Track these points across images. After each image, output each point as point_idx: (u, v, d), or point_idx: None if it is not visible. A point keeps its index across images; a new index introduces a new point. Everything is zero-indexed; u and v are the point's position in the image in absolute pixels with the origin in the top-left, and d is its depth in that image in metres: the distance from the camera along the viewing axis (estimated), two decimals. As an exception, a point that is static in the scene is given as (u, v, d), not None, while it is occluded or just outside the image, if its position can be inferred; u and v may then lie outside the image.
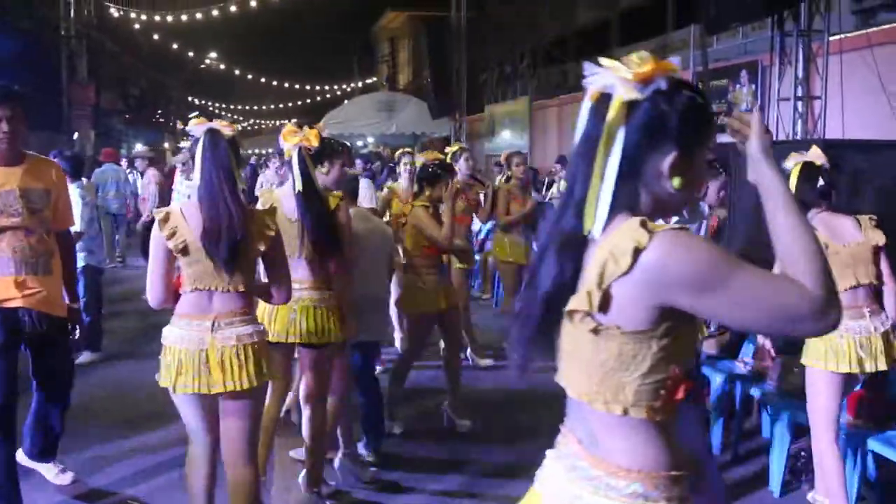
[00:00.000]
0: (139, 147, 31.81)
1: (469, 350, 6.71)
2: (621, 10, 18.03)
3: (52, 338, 3.87)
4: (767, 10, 9.46)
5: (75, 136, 22.55)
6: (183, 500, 3.32)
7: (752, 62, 11.59)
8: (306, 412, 3.88)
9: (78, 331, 4.08)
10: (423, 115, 23.88)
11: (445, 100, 22.45)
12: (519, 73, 22.25)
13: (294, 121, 4.08)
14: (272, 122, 53.91)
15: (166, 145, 38.46)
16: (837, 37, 9.15)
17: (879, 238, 3.66)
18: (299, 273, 3.69)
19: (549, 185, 12.51)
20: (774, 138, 9.46)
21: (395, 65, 37.22)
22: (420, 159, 5.35)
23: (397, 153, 7.69)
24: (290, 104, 45.04)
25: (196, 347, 2.98)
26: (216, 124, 3.16)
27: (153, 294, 3.07)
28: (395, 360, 5.45)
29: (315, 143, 3.76)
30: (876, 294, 3.68)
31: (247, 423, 3.11)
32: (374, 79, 39.85)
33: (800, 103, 9.36)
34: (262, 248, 3.11)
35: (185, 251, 3.00)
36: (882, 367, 3.55)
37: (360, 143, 26.40)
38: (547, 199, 10.27)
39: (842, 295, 2.03)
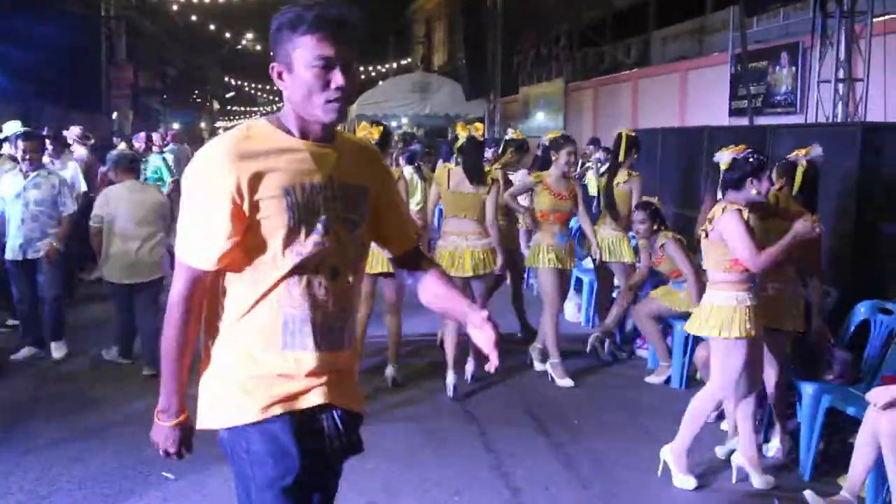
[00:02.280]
0: (175, 126, 32.21)
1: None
2: (660, -10, 17.78)
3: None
4: (810, -9, 9.26)
5: (114, 115, 22.85)
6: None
7: (793, 44, 11.36)
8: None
9: None
10: (458, 97, 23.79)
11: (480, 81, 22.36)
12: (554, 55, 22.04)
13: (365, 123, 5.23)
14: (307, 103, 54.10)
15: (202, 125, 38.82)
16: (881, 18, 8.93)
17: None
18: None
19: (582, 167, 12.42)
20: (814, 121, 9.29)
21: (431, 46, 37.11)
22: (726, 156, 3.97)
23: (548, 137, 6.08)
24: (325, 85, 45.12)
25: None
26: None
27: None
28: None
29: (377, 137, 4.95)
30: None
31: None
32: (409, 60, 39.77)
33: (841, 86, 9.15)
34: None
35: None
36: None
37: (394, 124, 26.41)
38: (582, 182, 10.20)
39: None
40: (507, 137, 6.91)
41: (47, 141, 7.50)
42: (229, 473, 3.98)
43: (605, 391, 5.57)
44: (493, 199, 5.30)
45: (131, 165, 5.83)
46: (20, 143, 6.16)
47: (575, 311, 7.69)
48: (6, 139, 8.89)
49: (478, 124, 5.52)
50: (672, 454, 4.07)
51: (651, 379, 5.74)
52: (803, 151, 4.35)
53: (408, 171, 6.39)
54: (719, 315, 3.86)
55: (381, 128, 5.09)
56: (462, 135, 5.41)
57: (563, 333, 6.29)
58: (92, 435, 4.57)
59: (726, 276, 3.90)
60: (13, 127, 9.08)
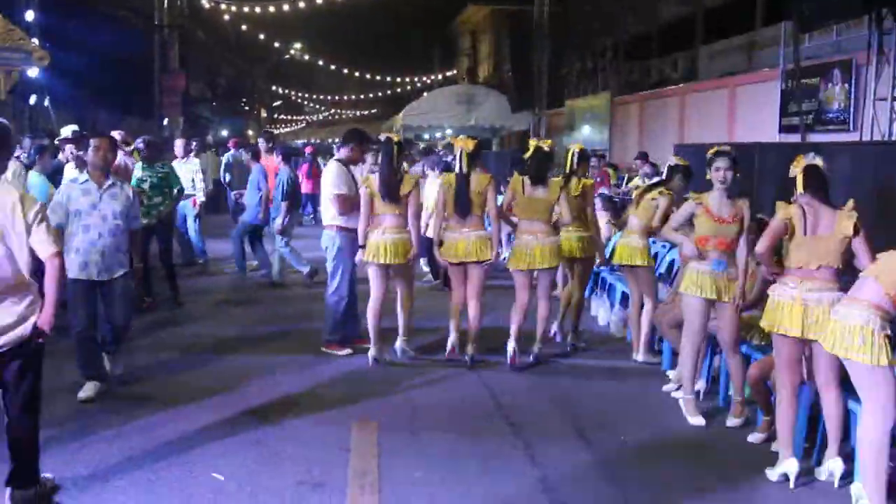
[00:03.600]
0: (224, 133, 32.72)
1: None
2: (707, 5, 17.63)
3: None
4: (866, 8, 9.13)
5: (165, 122, 23.30)
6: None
7: (846, 61, 11.19)
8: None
9: None
10: (503, 109, 23.84)
11: (525, 94, 22.41)
12: (600, 69, 22.00)
13: (462, 136, 6.62)
14: (353, 112, 54.61)
15: (249, 132, 39.41)
16: (940, 35, 8.79)
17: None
18: (451, 221, 6.27)
19: (629, 181, 12.38)
20: (869, 139, 9.14)
21: (476, 58, 37.25)
22: None
23: (712, 151, 5.29)
24: (370, 95, 45.55)
25: (378, 240, 6.08)
26: (390, 135, 6.48)
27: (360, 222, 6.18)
28: None
29: (471, 148, 6.26)
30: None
31: (402, 280, 6.38)
32: (454, 72, 39.95)
33: (896, 104, 9.01)
34: (406, 191, 6.06)
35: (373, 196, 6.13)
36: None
37: (438, 135, 26.55)
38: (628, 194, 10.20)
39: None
40: (671, 163, 6.57)
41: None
42: (278, 475, 4.06)
43: (650, 406, 5.52)
44: (564, 202, 6.18)
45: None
46: (93, 142, 5.42)
47: (606, 314, 7.69)
48: (63, 141, 9.05)
49: (547, 140, 6.60)
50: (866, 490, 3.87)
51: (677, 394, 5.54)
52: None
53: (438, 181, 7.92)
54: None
55: (476, 141, 6.40)
56: (532, 144, 6.40)
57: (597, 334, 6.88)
58: (143, 433, 4.66)
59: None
60: (69, 131, 9.30)
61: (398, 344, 6.47)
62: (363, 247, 6.19)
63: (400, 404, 5.39)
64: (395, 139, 6.32)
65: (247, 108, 45.78)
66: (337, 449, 4.57)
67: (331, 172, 6.57)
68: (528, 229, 6.17)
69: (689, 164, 6.63)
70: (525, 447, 4.70)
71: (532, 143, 6.46)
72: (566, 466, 4.43)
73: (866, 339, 3.76)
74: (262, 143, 11.49)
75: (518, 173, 6.44)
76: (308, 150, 18.28)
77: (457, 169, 6.30)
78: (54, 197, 5.47)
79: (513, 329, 6.27)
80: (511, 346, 6.20)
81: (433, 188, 8.28)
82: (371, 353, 6.21)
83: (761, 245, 4.41)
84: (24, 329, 3.59)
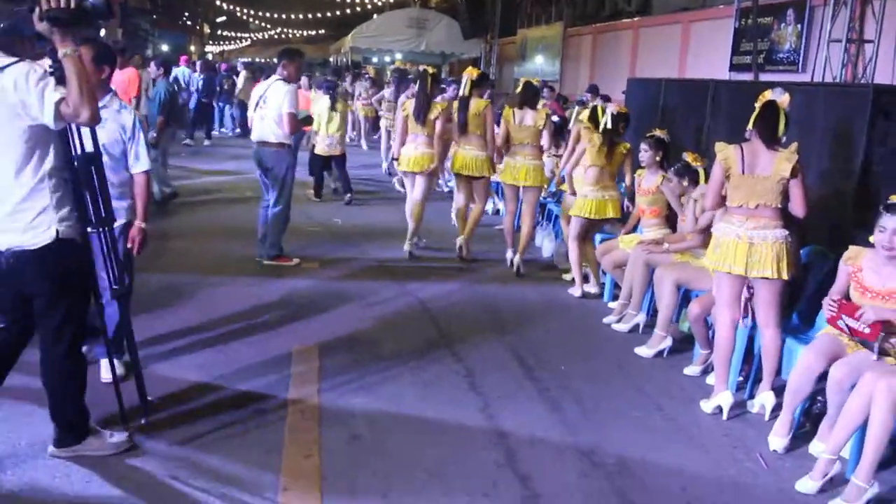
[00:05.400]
0: (165, 48, 31.50)
1: None
2: (668, -63, 17.34)
3: None
4: (824, -54, 9.04)
5: (101, 32, 22.24)
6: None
7: (801, 1, 11.16)
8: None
9: None
10: (454, 35, 23.34)
11: (478, 20, 21.95)
12: (555, -2, 21.60)
13: (470, 67, 7.80)
14: (301, 31, 53.01)
15: (192, 48, 38.04)
16: (896, -21, 8.76)
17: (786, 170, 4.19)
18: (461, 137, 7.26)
19: (578, 115, 12.29)
20: (821, 80, 9.16)
21: (429, -19, 36.28)
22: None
23: None
24: (319, 15, 44.21)
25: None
26: (426, 68, 7.62)
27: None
28: None
29: (475, 76, 7.27)
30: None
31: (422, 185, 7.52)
32: (406, -6, 38.90)
33: (850, 46, 9.01)
34: (434, 116, 7.26)
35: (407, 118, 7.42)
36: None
37: (387, 59, 25.98)
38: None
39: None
40: (612, 112, 6.45)
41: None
42: (217, 402, 3.93)
43: (591, 337, 5.56)
44: (547, 132, 6.99)
45: None
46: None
47: (551, 245, 7.70)
48: None
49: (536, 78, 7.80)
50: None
51: (619, 327, 5.78)
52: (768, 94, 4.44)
53: (324, 100, 10.20)
54: None
55: (478, 70, 7.42)
56: (523, 80, 7.28)
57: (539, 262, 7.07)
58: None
59: None
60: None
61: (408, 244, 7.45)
62: (396, 159, 7.67)
63: (341, 327, 5.32)
64: (431, 71, 7.47)
65: (189, 22, 44.07)
66: (277, 374, 4.49)
67: (282, 92, 6.59)
68: (519, 152, 6.94)
69: (628, 112, 6.61)
70: (466, 374, 4.70)
71: (523, 79, 7.40)
72: (506, 392, 4.46)
73: None
74: (135, 60, 11.27)
75: (508, 105, 7.33)
76: (223, 67, 18.71)
77: (460, 93, 7.26)
78: None
79: (508, 240, 7.24)
80: (509, 254, 7.19)
81: (318, 105, 10.26)
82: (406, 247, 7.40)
83: (709, 201, 4.45)
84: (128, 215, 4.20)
